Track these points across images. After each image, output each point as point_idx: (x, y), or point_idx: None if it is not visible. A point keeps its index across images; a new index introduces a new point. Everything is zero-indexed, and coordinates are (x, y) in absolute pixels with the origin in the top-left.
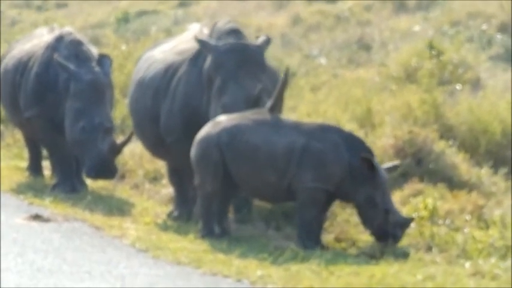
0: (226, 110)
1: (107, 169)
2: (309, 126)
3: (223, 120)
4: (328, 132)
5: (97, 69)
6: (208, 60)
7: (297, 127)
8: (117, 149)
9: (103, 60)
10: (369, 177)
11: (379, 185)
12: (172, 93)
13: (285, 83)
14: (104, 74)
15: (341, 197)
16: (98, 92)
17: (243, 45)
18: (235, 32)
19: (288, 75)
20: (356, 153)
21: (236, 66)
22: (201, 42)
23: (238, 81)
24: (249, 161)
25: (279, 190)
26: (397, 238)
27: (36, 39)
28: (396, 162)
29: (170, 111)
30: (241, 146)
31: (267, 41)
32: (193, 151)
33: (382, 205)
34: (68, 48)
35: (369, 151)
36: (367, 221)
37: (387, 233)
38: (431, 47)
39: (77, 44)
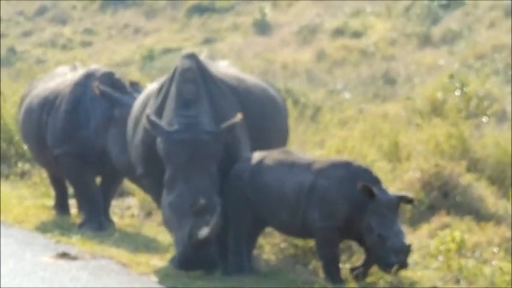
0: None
1: None
2: (320, 163)
3: (252, 157)
4: (336, 168)
5: (136, 95)
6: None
7: (309, 166)
8: None
9: (135, 87)
10: (369, 203)
11: (376, 210)
12: None
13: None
14: None
15: (353, 231)
16: None
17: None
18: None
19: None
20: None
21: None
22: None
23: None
24: (266, 199)
25: (295, 227)
26: (392, 265)
27: (59, 78)
28: (408, 193)
29: None
30: (259, 185)
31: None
32: (225, 187)
33: (377, 230)
34: (102, 81)
35: (374, 180)
36: (365, 247)
37: (383, 259)
38: (452, 77)
39: (109, 75)
